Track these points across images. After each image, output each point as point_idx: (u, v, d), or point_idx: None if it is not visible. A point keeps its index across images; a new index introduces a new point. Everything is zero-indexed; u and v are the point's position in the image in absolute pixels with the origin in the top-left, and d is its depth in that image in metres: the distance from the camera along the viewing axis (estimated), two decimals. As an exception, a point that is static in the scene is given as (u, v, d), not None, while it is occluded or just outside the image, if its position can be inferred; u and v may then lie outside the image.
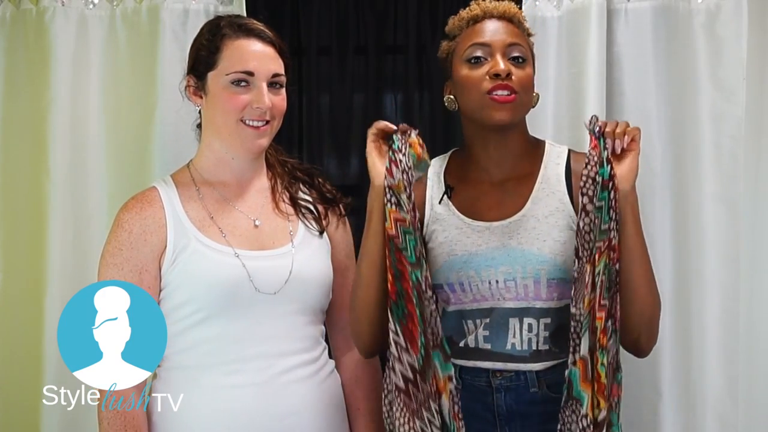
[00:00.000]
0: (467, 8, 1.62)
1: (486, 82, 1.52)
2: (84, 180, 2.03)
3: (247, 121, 1.54)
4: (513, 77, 1.51)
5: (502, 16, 1.57)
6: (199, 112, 1.62)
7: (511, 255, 1.53)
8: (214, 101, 1.55)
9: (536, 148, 1.63)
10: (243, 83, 1.53)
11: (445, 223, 1.60)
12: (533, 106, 1.60)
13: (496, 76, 1.51)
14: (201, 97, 1.58)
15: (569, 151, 1.63)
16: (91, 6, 2.03)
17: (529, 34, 1.63)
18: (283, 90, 1.59)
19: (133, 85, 2.04)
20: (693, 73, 2.00)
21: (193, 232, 1.53)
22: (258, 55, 1.55)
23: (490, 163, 1.61)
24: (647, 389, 2.06)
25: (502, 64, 1.51)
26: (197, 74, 1.57)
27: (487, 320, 1.55)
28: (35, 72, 2.03)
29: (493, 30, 1.55)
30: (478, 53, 1.54)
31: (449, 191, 1.63)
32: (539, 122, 2.03)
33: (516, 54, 1.54)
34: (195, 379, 1.52)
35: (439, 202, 1.62)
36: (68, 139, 2.02)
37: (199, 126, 1.64)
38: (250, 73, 1.53)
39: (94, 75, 2.03)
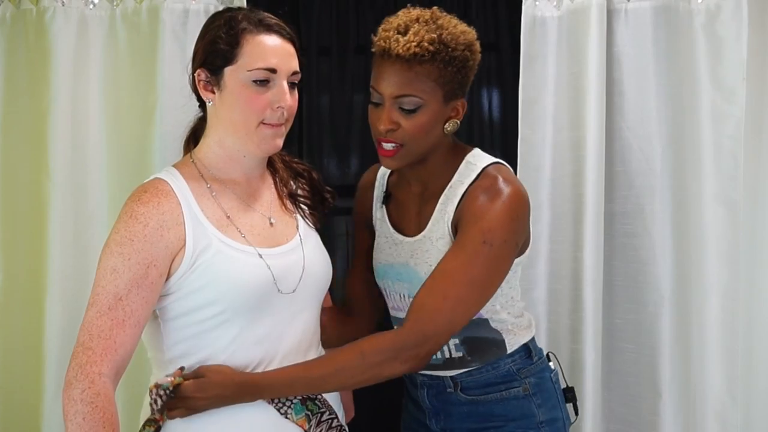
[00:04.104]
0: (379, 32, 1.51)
1: (378, 133, 1.50)
2: (84, 180, 2.03)
3: (266, 122, 1.48)
4: (399, 131, 1.47)
5: (398, 57, 1.45)
6: (200, 106, 1.58)
7: (409, 273, 1.57)
8: (233, 98, 1.47)
9: (457, 162, 1.56)
10: (264, 81, 1.46)
11: (380, 229, 1.67)
12: (453, 131, 1.53)
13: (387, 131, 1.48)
14: (213, 92, 1.50)
15: (482, 170, 1.53)
16: (91, 6, 2.03)
17: (446, 49, 1.46)
18: (296, 90, 1.53)
19: (133, 85, 2.04)
20: (693, 73, 2.00)
21: (213, 232, 1.46)
22: (279, 52, 1.49)
23: (411, 175, 1.60)
24: (647, 389, 2.06)
25: (382, 124, 1.48)
26: (212, 68, 1.49)
27: None
28: (35, 72, 2.03)
29: (386, 78, 1.47)
30: (375, 99, 1.51)
31: (387, 197, 1.67)
32: (539, 122, 2.04)
33: (406, 107, 1.47)
34: None
35: (380, 207, 1.67)
36: (68, 139, 2.02)
37: (201, 119, 1.60)
38: (273, 71, 1.46)
39: (94, 75, 2.03)
